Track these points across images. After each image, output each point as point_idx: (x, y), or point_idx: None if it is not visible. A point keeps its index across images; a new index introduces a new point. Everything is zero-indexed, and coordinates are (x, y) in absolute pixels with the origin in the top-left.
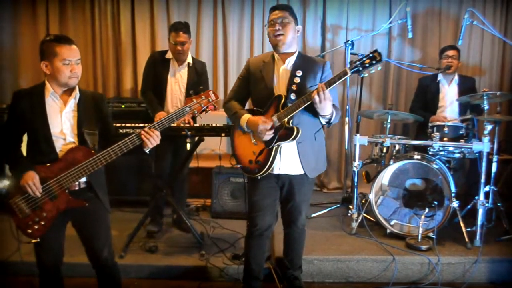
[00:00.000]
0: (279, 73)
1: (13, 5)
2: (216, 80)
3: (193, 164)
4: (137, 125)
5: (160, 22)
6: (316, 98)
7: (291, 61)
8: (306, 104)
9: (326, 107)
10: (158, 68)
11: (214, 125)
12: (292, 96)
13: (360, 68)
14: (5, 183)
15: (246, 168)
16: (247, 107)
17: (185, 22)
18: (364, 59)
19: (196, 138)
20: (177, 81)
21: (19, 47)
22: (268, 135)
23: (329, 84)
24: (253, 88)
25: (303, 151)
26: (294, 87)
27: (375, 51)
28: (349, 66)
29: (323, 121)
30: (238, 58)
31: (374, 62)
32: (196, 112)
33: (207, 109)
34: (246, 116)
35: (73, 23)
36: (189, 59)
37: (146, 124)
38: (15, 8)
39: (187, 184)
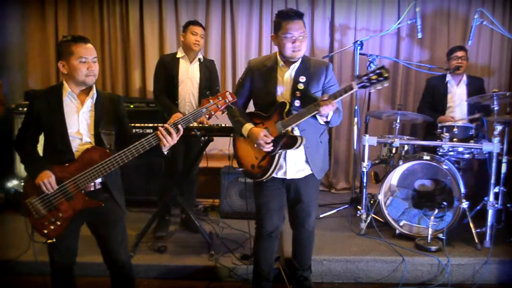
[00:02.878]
0: (283, 79)
1: (22, 5)
2: (224, 80)
3: (202, 164)
4: (145, 125)
5: (169, 22)
6: (325, 109)
7: (295, 66)
8: (311, 115)
9: (329, 114)
10: (169, 68)
11: (223, 125)
12: (296, 103)
13: (367, 84)
14: (14, 182)
15: (248, 172)
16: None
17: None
18: (371, 74)
19: (205, 138)
20: (189, 78)
21: (28, 47)
22: (267, 148)
23: (334, 97)
24: (255, 92)
25: (311, 155)
26: (297, 93)
27: (382, 67)
28: (356, 80)
29: (321, 120)
30: (247, 58)
31: (381, 78)
32: (212, 112)
33: (224, 110)
34: (248, 126)
35: (82, 23)
36: (200, 56)
37: (157, 125)
38: (24, 8)
39: (196, 185)
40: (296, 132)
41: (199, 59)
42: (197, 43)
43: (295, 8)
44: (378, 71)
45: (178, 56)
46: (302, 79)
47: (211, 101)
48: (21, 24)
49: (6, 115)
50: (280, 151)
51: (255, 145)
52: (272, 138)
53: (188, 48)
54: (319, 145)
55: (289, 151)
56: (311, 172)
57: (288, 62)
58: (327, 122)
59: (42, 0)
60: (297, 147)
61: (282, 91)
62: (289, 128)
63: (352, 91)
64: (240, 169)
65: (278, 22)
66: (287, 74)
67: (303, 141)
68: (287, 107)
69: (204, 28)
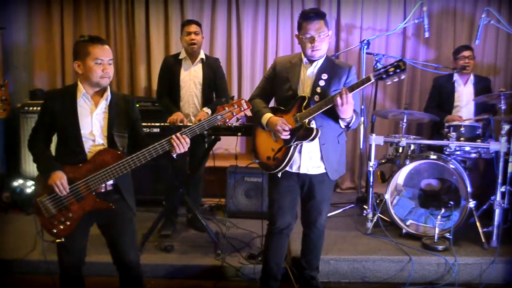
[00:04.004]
0: (305, 75)
1: (27, 5)
2: (230, 79)
3: (208, 163)
4: (151, 124)
5: (174, 22)
6: (339, 100)
7: (318, 64)
8: (328, 106)
9: (347, 111)
10: (172, 69)
11: (230, 124)
12: (316, 98)
13: (384, 76)
14: (20, 182)
15: (263, 164)
16: (271, 105)
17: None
18: (388, 67)
19: (212, 138)
20: (191, 78)
21: (34, 47)
22: (284, 135)
23: (351, 88)
24: (278, 88)
25: (326, 153)
26: (318, 89)
27: (400, 60)
28: (373, 73)
29: (342, 124)
30: (252, 58)
31: (398, 71)
32: (227, 120)
33: (239, 118)
34: (268, 115)
35: (87, 22)
36: (202, 55)
37: (163, 124)
38: (29, 7)
39: (203, 184)
40: (313, 126)
41: (202, 59)
42: (193, 42)
43: (301, 8)
44: (395, 64)
45: (180, 57)
46: (324, 76)
47: (226, 108)
48: (26, 24)
49: (12, 115)
50: (295, 143)
51: (273, 134)
52: (290, 126)
53: (187, 50)
54: (337, 145)
55: (304, 146)
56: (325, 171)
57: (311, 60)
58: (347, 126)
59: (47, 0)
60: (312, 139)
61: (304, 87)
62: (306, 120)
63: (369, 83)
64: (256, 161)
65: (300, 22)
66: (310, 71)
67: (318, 133)
68: (306, 100)
69: (199, 24)
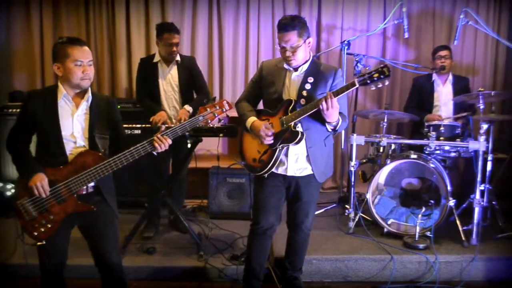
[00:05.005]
0: (290, 79)
1: (7, 7)
2: (211, 80)
3: (190, 164)
4: (132, 125)
5: (155, 22)
6: (324, 105)
7: (303, 68)
8: (314, 111)
9: (333, 115)
10: (148, 73)
11: (211, 125)
12: (302, 102)
13: (368, 81)
14: (0, 184)
15: (249, 166)
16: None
17: (172, 23)
18: (373, 72)
19: (194, 139)
20: (168, 82)
21: (13, 49)
22: (268, 141)
23: (336, 93)
24: (264, 91)
25: (313, 156)
26: (304, 93)
27: (385, 66)
28: (357, 78)
29: (329, 128)
30: (234, 59)
31: (382, 76)
32: (209, 121)
33: (221, 119)
34: (251, 119)
35: (67, 24)
36: (177, 57)
37: (144, 125)
38: (8, 9)
39: (186, 185)
40: (299, 129)
41: (177, 61)
42: (173, 54)
43: (282, 9)
44: (380, 69)
45: (155, 60)
46: (310, 80)
47: (208, 109)
48: (5, 25)
49: None
50: (281, 145)
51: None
52: (273, 131)
53: (164, 56)
54: (323, 148)
55: (291, 148)
56: (312, 173)
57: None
58: (334, 130)
59: (26, 2)
60: (297, 142)
61: (290, 91)
62: (292, 124)
63: (353, 88)
64: (242, 163)
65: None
66: (295, 75)
67: (303, 137)
68: (293, 104)
69: (179, 32)
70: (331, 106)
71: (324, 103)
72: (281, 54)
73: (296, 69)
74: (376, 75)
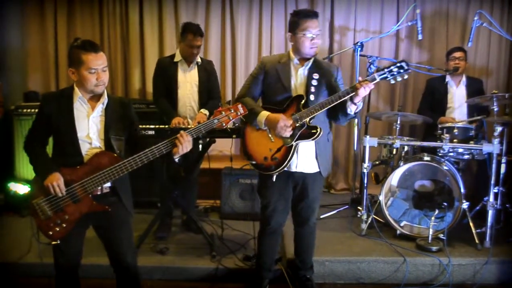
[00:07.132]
0: (297, 75)
1: (21, 6)
2: (224, 80)
3: (203, 165)
4: (146, 126)
5: (168, 23)
6: (362, 90)
7: (308, 64)
8: (338, 102)
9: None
10: (167, 72)
11: (225, 126)
12: (311, 97)
13: (388, 76)
14: (14, 184)
15: (260, 165)
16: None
17: (198, 25)
18: (392, 67)
19: (207, 140)
20: (188, 81)
21: (27, 49)
22: (288, 132)
23: (372, 79)
24: (268, 87)
25: (320, 151)
26: (312, 88)
27: (403, 60)
28: (377, 72)
29: (354, 111)
30: (246, 58)
31: (401, 71)
32: (224, 124)
33: (235, 122)
34: (265, 113)
35: (81, 24)
36: (198, 59)
37: (158, 126)
38: (23, 8)
39: (198, 186)
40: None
41: (197, 62)
42: (193, 55)
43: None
44: (399, 64)
45: (176, 60)
46: (316, 76)
47: (223, 112)
48: (20, 25)
49: (5, 117)
50: (296, 142)
51: (273, 132)
52: (292, 121)
53: (186, 56)
54: (327, 143)
55: (300, 145)
56: (318, 170)
57: (302, 59)
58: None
59: (41, 0)
60: (316, 138)
61: (297, 86)
62: (307, 119)
63: (375, 81)
64: (253, 163)
65: (296, 21)
66: (301, 71)
67: (321, 132)
68: (304, 99)
69: (203, 35)
70: (367, 93)
71: (363, 88)
72: (304, 43)
73: (301, 65)
74: (395, 69)
